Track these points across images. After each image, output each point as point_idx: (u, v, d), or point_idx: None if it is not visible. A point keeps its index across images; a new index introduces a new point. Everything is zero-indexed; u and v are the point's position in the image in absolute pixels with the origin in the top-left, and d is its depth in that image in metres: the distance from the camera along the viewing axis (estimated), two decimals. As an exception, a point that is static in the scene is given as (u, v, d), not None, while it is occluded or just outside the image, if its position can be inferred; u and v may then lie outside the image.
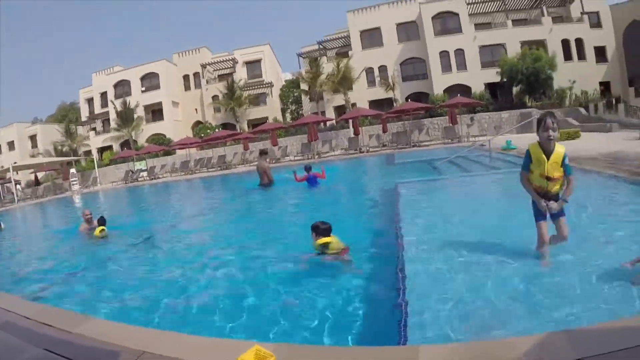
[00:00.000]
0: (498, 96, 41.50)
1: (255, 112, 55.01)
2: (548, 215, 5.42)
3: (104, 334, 5.01)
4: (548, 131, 5.03)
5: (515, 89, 39.42)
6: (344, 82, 46.01)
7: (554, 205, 5.27)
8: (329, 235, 7.24)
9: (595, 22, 43.96)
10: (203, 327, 5.52)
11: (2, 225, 18.40)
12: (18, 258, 13.12)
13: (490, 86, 42.73)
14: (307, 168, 17.31)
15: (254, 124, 53.27)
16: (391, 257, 7.17)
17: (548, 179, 5.22)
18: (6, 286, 8.63)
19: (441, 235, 8.06)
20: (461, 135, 29.59)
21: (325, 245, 7.15)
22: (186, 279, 7.84)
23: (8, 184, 45.89)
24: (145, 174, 43.74)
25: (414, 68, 47.99)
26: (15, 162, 49.38)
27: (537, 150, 5.25)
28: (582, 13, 43.69)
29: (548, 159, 5.15)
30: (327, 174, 17.28)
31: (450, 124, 31.52)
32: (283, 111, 57.83)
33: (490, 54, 43.88)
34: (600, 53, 43.30)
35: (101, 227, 13.07)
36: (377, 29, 48.84)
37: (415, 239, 7.80)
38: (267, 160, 20.01)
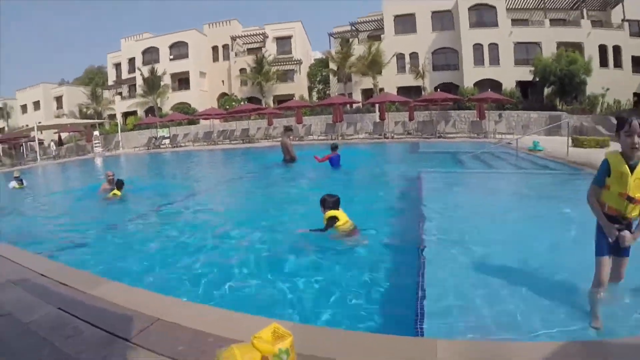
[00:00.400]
0: (529, 95, 40.97)
1: (282, 89, 54.84)
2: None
3: (119, 297, 5.11)
4: (633, 137, 3.76)
5: (546, 90, 38.54)
6: (373, 65, 45.66)
7: (628, 236, 4.01)
8: (337, 208, 7.28)
9: (636, 31, 42.85)
10: (216, 298, 5.65)
11: (24, 183, 18.63)
12: (37, 215, 13.30)
13: (521, 84, 41.98)
14: (334, 147, 17.27)
15: (280, 100, 53.17)
16: (410, 243, 7.26)
17: (630, 199, 3.91)
18: (24, 243, 8.72)
19: (462, 227, 8.18)
20: (487, 131, 29.39)
21: (333, 219, 7.15)
22: (200, 248, 7.98)
23: (31, 143, 46.33)
24: (167, 141, 44.20)
25: (445, 58, 47.38)
26: (39, 122, 49.86)
27: (618, 161, 3.96)
28: (623, 20, 42.72)
29: (632, 173, 3.87)
30: (348, 157, 17.33)
31: (478, 119, 31.28)
32: (310, 90, 57.65)
33: (525, 52, 43.04)
34: (638, 63, 42.16)
35: (118, 190, 13.33)
36: (412, 15, 48.21)
37: (437, 229, 7.93)
38: (291, 137, 19.95)
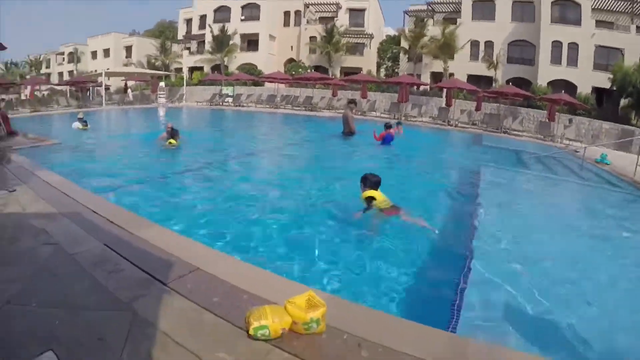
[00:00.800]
0: (603, 103, 39.34)
1: (350, 61, 54.51)
2: None
3: (163, 242, 5.49)
4: None
5: (623, 101, 36.54)
6: (446, 49, 45.14)
7: None
8: (376, 189, 7.49)
9: None
10: (255, 257, 5.98)
11: (88, 124, 19.44)
12: (96, 156, 14.32)
13: (597, 91, 40.30)
14: (388, 126, 17.90)
15: (347, 72, 52.75)
16: (459, 236, 7.49)
17: None
18: (81, 180, 9.48)
19: (515, 229, 8.30)
20: (555, 135, 28.72)
21: (371, 199, 7.37)
22: (245, 205, 8.50)
23: (98, 87, 47.62)
24: (230, 99, 44.93)
25: (521, 51, 45.90)
26: (108, 68, 51.12)
27: None
28: None
29: None
30: (409, 139, 17.69)
31: (547, 120, 30.53)
32: (378, 65, 57.14)
33: (606, 57, 40.95)
34: None
35: (173, 139, 13.97)
36: (492, 1, 46.85)
37: (489, 228, 8.05)
38: (353, 110, 20.05)
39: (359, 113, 34.68)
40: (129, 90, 49.12)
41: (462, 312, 4.66)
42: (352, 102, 20.76)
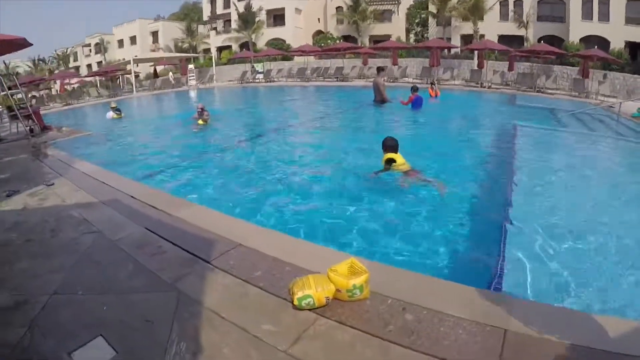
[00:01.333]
0: (638, 58, 37.81)
1: (379, 29, 53.77)
2: None
3: (203, 221, 5.61)
4: None
5: None
6: (475, 10, 44.31)
7: None
8: (395, 152, 7.92)
9: None
10: (295, 229, 6.02)
11: (122, 113, 19.82)
12: (131, 142, 14.62)
13: (631, 45, 38.68)
14: (414, 89, 17.85)
15: (376, 40, 52.05)
16: (496, 195, 7.51)
17: None
18: (118, 168, 9.72)
19: (554, 185, 8.34)
20: (589, 91, 27.99)
21: (390, 160, 7.82)
22: (280, 180, 8.65)
23: (127, 75, 48.30)
24: (261, 76, 44.74)
25: (551, 9, 44.45)
26: (136, 55, 51.52)
27: None
28: None
29: None
30: (442, 102, 17.77)
31: (581, 77, 29.72)
32: (407, 31, 56.18)
33: (638, 10, 38.91)
34: None
35: (202, 119, 14.23)
36: (520, -41, 45.58)
37: (527, 183, 8.11)
38: (384, 78, 19.96)
39: (391, 80, 34.46)
40: (170, 75, 49.72)
41: (504, 271, 4.65)
42: (381, 69, 20.59)
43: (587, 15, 40.92)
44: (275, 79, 44.87)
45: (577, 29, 41.02)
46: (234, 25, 58.28)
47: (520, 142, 12.04)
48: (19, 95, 16.25)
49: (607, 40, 39.28)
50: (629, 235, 5.71)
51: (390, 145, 8.09)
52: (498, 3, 45.88)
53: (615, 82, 31.36)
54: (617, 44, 38.37)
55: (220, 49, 62.54)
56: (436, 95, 21.09)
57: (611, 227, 6.00)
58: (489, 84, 32.38)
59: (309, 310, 3.51)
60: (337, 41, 50.80)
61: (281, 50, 49.83)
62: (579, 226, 6.08)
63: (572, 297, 4.27)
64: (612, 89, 29.75)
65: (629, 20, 39.22)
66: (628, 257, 5.09)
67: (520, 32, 44.22)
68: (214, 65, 50.87)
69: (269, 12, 58.62)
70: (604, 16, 40.22)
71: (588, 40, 39.07)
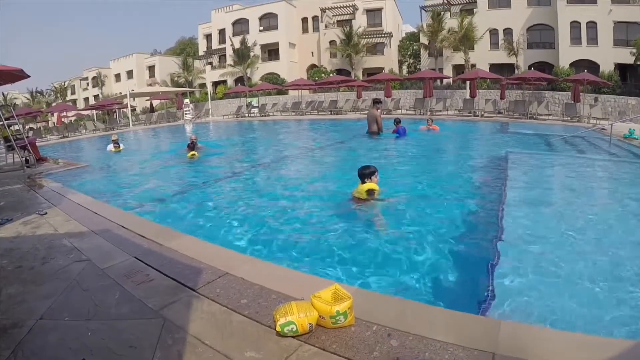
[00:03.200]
0: (628, 79, 38.62)
1: (372, 61, 54.42)
2: None
3: (191, 250, 5.65)
4: None
5: None
6: (465, 40, 45.07)
7: None
8: (364, 181, 7.93)
9: None
10: (283, 257, 6.03)
11: (121, 146, 19.91)
12: (125, 175, 14.80)
13: (620, 67, 39.46)
14: (397, 121, 19.42)
15: (369, 72, 52.70)
16: (487, 222, 7.38)
17: None
18: (111, 199, 9.89)
19: (547, 207, 8.32)
20: (582, 115, 28.33)
21: (371, 192, 7.89)
22: (267, 210, 8.62)
23: (124, 109, 48.67)
24: (256, 110, 45.29)
25: (540, 35, 45.40)
26: (132, 89, 52.05)
27: None
28: None
29: None
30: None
31: (572, 101, 30.08)
32: (400, 63, 56.98)
33: (625, 32, 39.78)
34: None
35: (192, 152, 14.52)
36: (507, -12, 46.41)
37: (519, 206, 8.11)
38: (380, 109, 20.19)
39: (385, 112, 34.58)
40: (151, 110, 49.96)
41: (493, 295, 4.63)
42: (377, 101, 20.85)
43: (575, 40, 41.75)
44: (270, 113, 45.30)
45: (567, 54, 41.74)
46: (229, 60, 59.13)
47: (511, 168, 12.09)
48: (16, 127, 16.35)
49: (597, 63, 39.98)
50: (623, 257, 5.71)
51: (367, 173, 7.97)
52: (488, 32, 46.61)
53: (607, 104, 31.91)
54: (606, 66, 39.11)
55: (215, 84, 63.29)
56: (437, 130, 21.33)
57: (604, 249, 6.01)
58: (482, 113, 32.74)
59: (293, 337, 3.48)
60: (331, 74, 51.30)
61: (276, 84, 50.36)
62: (571, 250, 6.05)
63: (562, 320, 4.23)
64: (604, 112, 30.17)
65: (617, 42, 39.95)
66: (622, 280, 5.07)
67: (511, 59, 44.83)
68: (209, 99, 51.74)
69: (263, 46, 59.47)
70: (593, 40, 41.09)
71: (578, 65, 39.82)
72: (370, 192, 7.82)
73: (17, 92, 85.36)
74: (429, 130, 20.49)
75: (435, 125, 21.05)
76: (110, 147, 19.87)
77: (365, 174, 7.96)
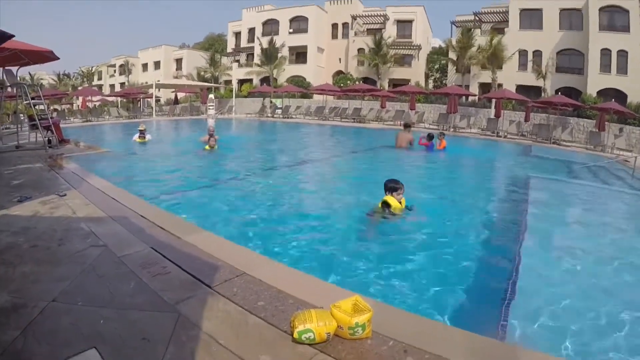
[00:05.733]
0: None
1: (399, 72, 54.47)
2: None
3: (210, 247, 5.55)
4: None
5: None
6: (493, 59, 44.88)
7: None
8: (392, 194, 7.92)
9: None
10: (301, 263, 5.95)
11: (147, 137, 19.86)
12: (146, 164, 14.87)
13: None
14: (430, 136, 19.80)
15: (395, 83, 52.87)
16: (507, 243, 7.32)
17: None
18: (130, 187, 9.82)
19: (566, 236, 8.24)
20: (605, 145, 28.03)
21: (385, 204, 7.88)
22: (290, 213, 8.69)
23: (149, 99, 49.40)
24: (279, 111, 45.50)
25: (569, 60, 44.92)
26: (158, 80, 52.43)
27: None
28: None
29: None
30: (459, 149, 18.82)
31: (597, 130, 29.77)
32: (426, 76, 57.06)
33: None
34: None
35: (209, 143, 15.56)
36: (539, 10, 46.05)
37: (539, 232, 7.94)
38: (411, 133, 20.24)
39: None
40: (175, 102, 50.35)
41: (510, 320, 4.51)
42: (408, 125, 21.05)
43: (605, 67, 41.04)
44: (293, 116, 45.50)
45: (595, 82, 41.09)
46: (256, 59, 59.40)
47: (533, 194, 11.95)
48: (41, 106, 16.38)
49: (625, 93, 39.29)
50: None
51: (389, 187, 7.99)
52: (517, 53, 46.32)
53: (632, 135, 31.36)
54: (635, 97, 38.15)
55: (241, 82, 63.66)
56: (443, 147, 20.87)
57: (624, 280, 5.90)
58: (505, 134, 32.52)
59: (309, 344, 3.41)
60: (357, 82, 51.40)
61: (301, 87, 50.63)
62: (590, 278, 5.97)
63: (580, 350, 4.14)
64: (628, 143, 29.80)
65: (647, 74, 39.03)
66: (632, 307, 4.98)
67: (539, 82, 44.47)
68: (234, 96, 52.10)
69: (291, 48, 59.75)
70: (622, 69, 40.37)
71: (605, 93, 39.28)
72: (385, 204, 7.83)
73: (45, 73, 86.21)
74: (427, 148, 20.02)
75: (444, 141, 20.81)
76: (136, 137, 19.58)
77: (388, 187, 7.98)
